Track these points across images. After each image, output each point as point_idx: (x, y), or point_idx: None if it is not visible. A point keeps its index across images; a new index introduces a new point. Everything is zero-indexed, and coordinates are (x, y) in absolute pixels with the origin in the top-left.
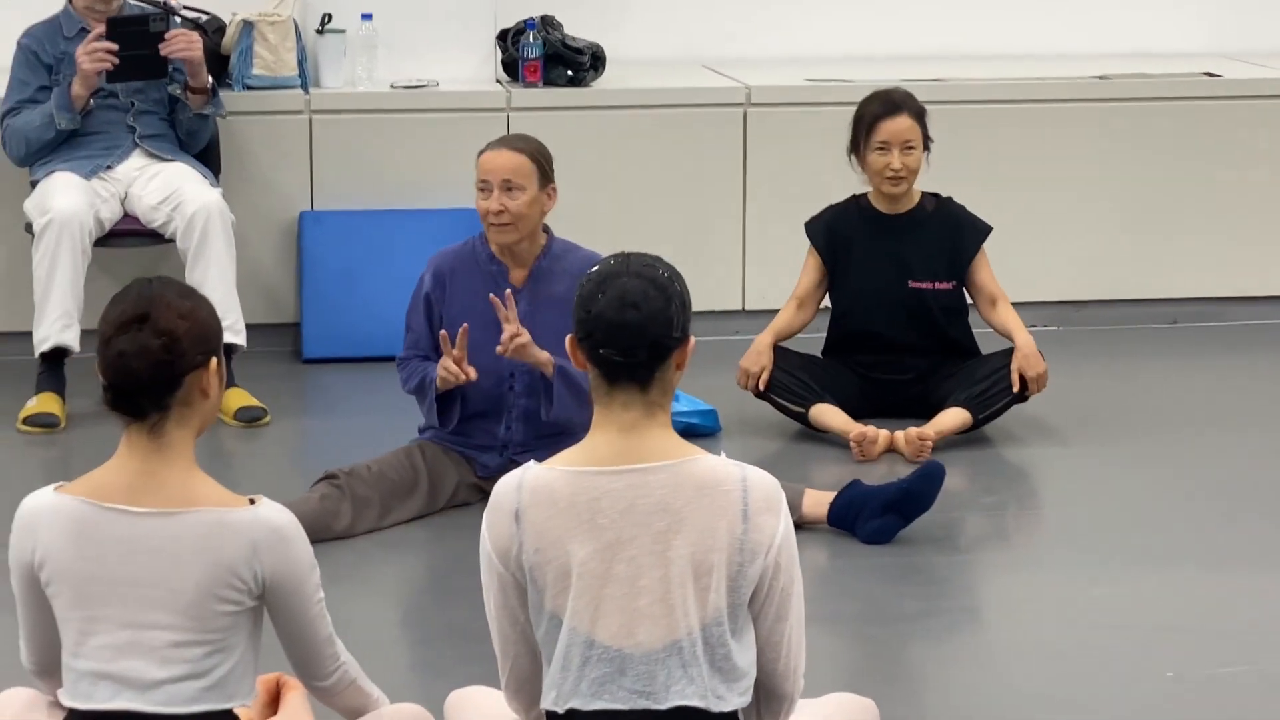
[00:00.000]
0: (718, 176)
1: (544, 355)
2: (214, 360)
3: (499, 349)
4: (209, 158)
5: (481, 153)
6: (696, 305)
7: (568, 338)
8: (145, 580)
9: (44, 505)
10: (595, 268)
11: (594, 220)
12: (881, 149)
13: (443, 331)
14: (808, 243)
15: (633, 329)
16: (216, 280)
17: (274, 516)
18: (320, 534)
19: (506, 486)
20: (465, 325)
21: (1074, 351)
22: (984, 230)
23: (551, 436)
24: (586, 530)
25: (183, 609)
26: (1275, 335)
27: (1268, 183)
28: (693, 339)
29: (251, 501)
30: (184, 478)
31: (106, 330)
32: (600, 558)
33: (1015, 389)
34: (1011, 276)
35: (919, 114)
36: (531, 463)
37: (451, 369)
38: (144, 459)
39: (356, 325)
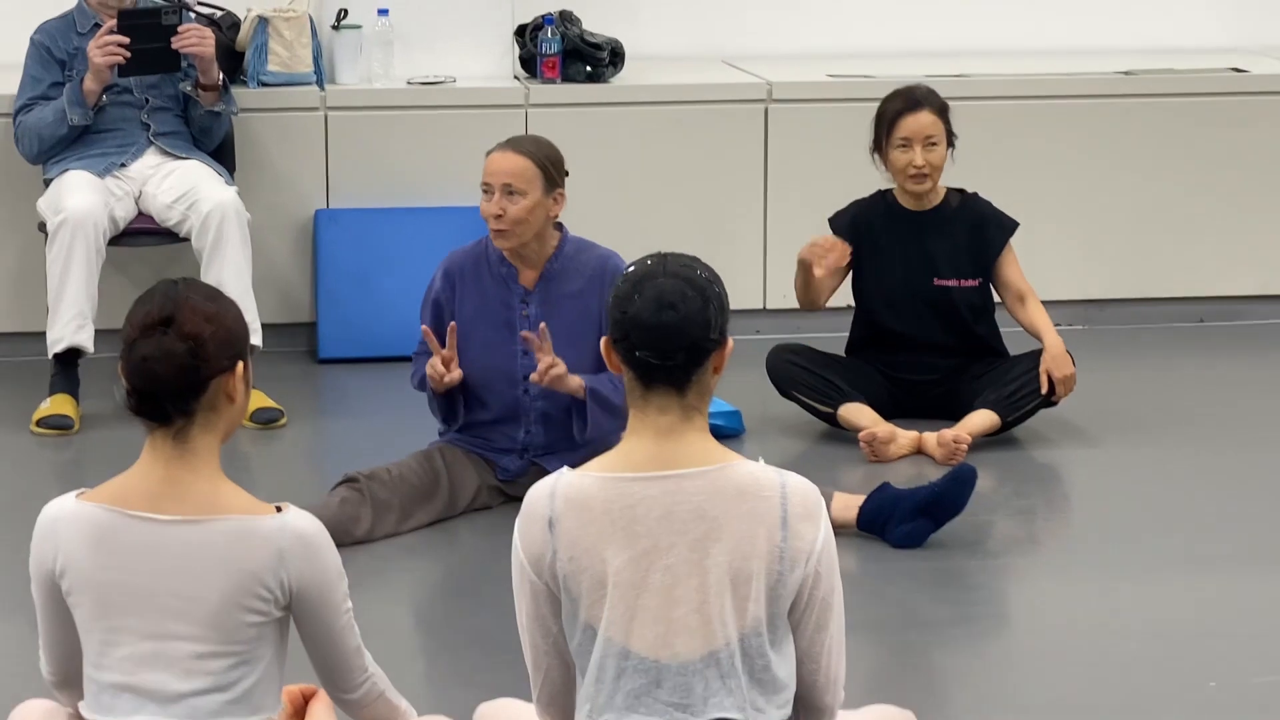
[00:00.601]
0: (739, 174)
1: (576, 382)
2: (240, 364)
3: (534, 377)
4: (223, 155)
5: (489, 153)
6: None
7: (602, 340)
8: (169, 590)
9: (65, 513)
10: (631, 268)
11: (613, 218)
12: (903, 146)
13: (424, 327)
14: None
15: (670, 331)
16: (232, 280)
17: (301, 524)
18: (340, 539)
19: (539, 494)
20: (453, 324)
21: (1100, 351)
22: (1010, 226)
23: (573, 438)
24: (622, 538)
25: (207, 619)
26: None
27: None
28: (731, 341)
29: (278, 509)
30: (209, 485)
31: (130, 333)
32: (636, 566)
33: (1044, 391)
34: (1036, 275)
35: (941, 110)
36: (565, 469)
37: (438, 368)
38: (168, 465)
39: (373, 325)
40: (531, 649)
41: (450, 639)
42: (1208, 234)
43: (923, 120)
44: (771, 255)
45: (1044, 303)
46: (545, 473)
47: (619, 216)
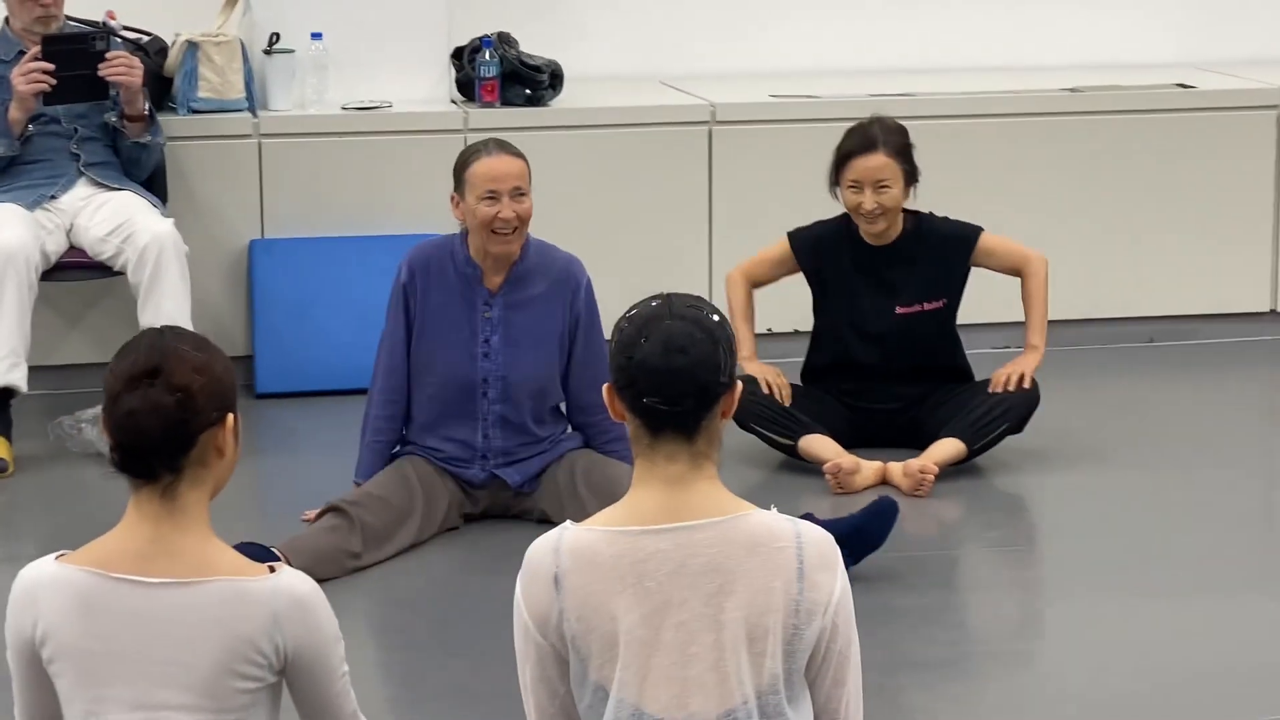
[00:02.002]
0: (683, 196)
1: None
2: (230, 416)
3: None
4: (155, 185)
5: (472, 160)
6: None
7: (605, 386)
8: (158, 656)
9: (45, 577)
10: (633, 310)
11: (556, 243)
12: (854, 187)
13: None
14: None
15: (679, 375)
16: (171, 314)
17: (296, 585)
18: (335, 571)
19: (542, 550)
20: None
21: (1050, 372)
22: (970, 237)
23: (533, 444)
24: (633, 594)
25: (198, 686)
26: (1253, 353)
27: (1244, 196)
28: (739, 384)
29: (271, 569)
30: (199, 544)
31: (115, 386)
32: (648, 623)
33: (990, 389)
34: (982, 296)
35: (899, 150)
36: (568, 523)
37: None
38: (155, 524)
39: (311, 358)
40: (537, 711)
41: (423, 690)
42: (1157, 252)
43: (873, 163)
44: (717, 278)
45: (988, 326)
46: (506, 486)
47: (562, 242)
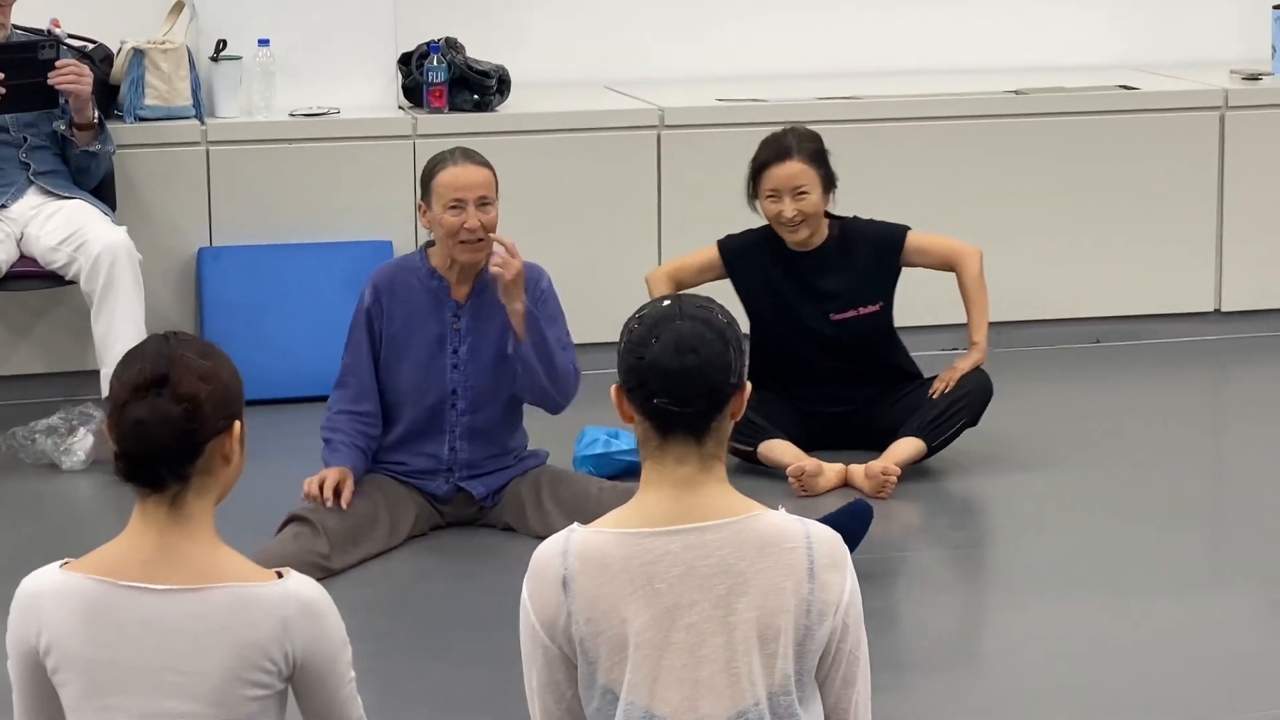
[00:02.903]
0: (632, 200)
1: (522, 306)
2: (237, 424)
3: (493, 267)
4: (105, 193)
5: (438, 170)
6: (611, 335)
7: (613, 387)
8: (165, 664)
9: (49, 585)
10: (643, 311)
11: None
12: (772, 197)
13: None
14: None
15: (691, 375)
16: (125, 324)
17: (305, 590)
18: (307, 574)
19: (550, 552)
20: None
21: (997, 373)
22: (898, 237)
23: (498, 456)
24: (643, 596)
25: (207, 695)
26: (1197, 352)
27: (1188, 196)
28: (749, 385)
29: (279, 574)
30: (206, 551)
31: (121, 395)
32: (658, 625)
33: (933, 392)
34: (927, 298)
35: (814, 156)
36: (575, 525)
37: (318, 491)
38: (161, 532)
39: (263, 366)
40: (544, 715)
41: (405, 697)
42: (1102, 253)
43: (789, 170)
44: None
45: (932, 328)
46: (471, 500)
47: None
